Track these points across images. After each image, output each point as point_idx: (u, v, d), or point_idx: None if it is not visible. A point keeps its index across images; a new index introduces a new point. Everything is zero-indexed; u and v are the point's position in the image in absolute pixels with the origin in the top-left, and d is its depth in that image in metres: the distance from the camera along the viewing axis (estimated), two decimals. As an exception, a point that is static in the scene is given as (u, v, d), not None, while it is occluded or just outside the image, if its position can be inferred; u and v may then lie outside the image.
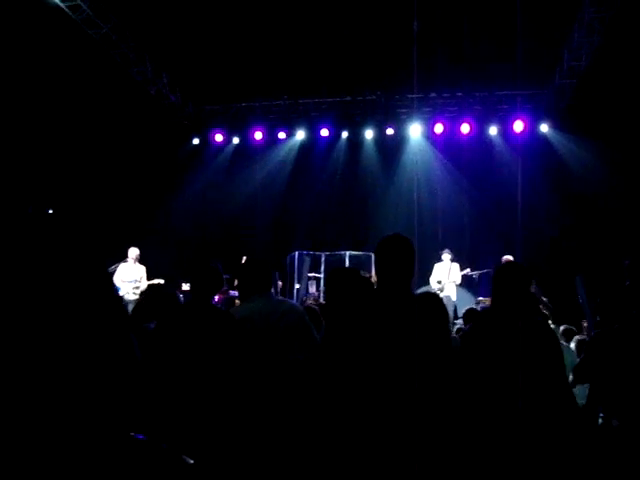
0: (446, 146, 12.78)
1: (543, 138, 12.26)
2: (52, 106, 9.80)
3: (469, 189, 12.56)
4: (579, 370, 3.55)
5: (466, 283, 10.99)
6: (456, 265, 10.69)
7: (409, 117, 12.89)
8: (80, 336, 0.98)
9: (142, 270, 9.67)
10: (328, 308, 3.14)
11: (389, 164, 13.31)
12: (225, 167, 13.96)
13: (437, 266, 10.76)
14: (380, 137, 13.26)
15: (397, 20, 10.11)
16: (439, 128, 12.61)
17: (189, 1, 10.06)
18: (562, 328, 6.13)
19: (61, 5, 9.56)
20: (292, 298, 11.85)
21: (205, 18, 10.14)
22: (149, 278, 9.56)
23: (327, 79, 11.84)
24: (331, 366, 2.73)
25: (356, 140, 13.46)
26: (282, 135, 13.60)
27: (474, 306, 8.17)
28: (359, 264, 11.74)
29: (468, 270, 10.63)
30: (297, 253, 12.40)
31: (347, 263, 11.94)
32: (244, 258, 10.85)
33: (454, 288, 10.54)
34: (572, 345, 5.34)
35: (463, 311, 6.37)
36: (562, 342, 4.63)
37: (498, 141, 12.63)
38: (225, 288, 10.57)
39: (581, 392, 3.59)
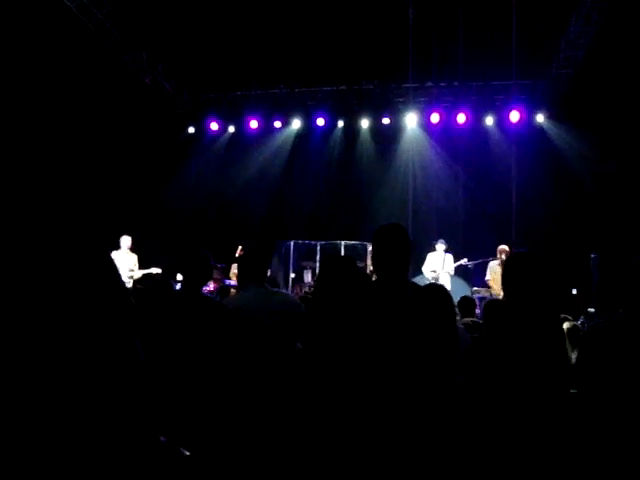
0: (442, 136, 12.75)
1: (539, 128, 12.25)
2: (45, 94, 9.72)
3: (465, 179, 12.56)
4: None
5: (461, 273, 11.03)
6: (450, 256, 10.73)
7: (405, 106, 12.85)
8: (87, 335, 0.97)
9: (134, 258, 9.73)
10: (318, 296, 3.11)
11: (385, 153, 13.29)
12: (221, 156, 13.92)
13: (430, 256, 10.78)
14: (376, 126, 13.23)
15: (393, 9, 10.07)
16: (435, 118, 12.57)
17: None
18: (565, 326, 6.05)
19: (55, -9, 9.48)
20: (287, 287, 11.89)
21: (201, 6, 10.07)
22: (143, 267, 9.59)
23: (323, 68, 11.80)
24: (326, 358, 2.73)
25: (352, 129, 13.42)
26: (278, 124, 13.55)
27: (469, 295, 8.21)
28: (354, 253, 11.78)
29: (465, 260, 10.65)
30: (292, 242, 12.41)
31: (342, 252, 11.98)
32: (239, 247, 10.88)
33: (448, 278, 10.58)
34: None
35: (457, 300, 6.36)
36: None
37: (494, 131, 12.61)
38: (220, 277, 10.60)
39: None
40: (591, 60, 10.57)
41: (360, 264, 11.29)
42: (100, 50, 10.91)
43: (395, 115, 12.99)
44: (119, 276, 1.09)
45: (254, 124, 13.49)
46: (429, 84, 12.56)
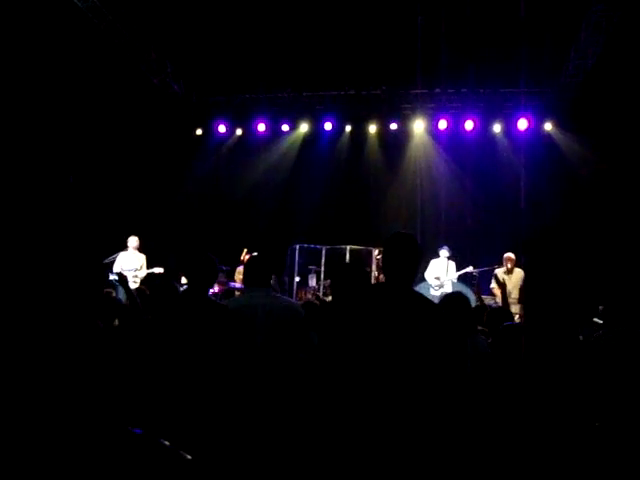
0: (449, 142, 12.73)
1: (547, 136, 12.22)
2: (55, 94, 9.76)
3: (472, 186, 12.52)
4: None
5: (467, 281, 10.98)
6: (453, 263, 10.71)
7: (413, 112, 12.85)
8: (68, 330, 0.97)
9: (142, 259, 9.78)
10: (334, 305, 3.15)
11: (392, 159, 13.27)
12: (228, 158, 13.93)
13: (433, 262, 10.76)
14: (383, 132, 13.21)
15: (402, 15, 10.07)
16: (443, 124, 12.56)
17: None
18: None
19: (66, -8, 9.52)
20: (292, 291, 11.89)
21: (210, 8, 10.10)
22: (149, 267, 9.63)
23: (332, 73, 11.81)
24: (329, 364, 2.73)
25: (359, 134, 13.41)
26: (285, 127, 13.55)
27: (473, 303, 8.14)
28: (359, 258, 11.77)
29: (470, 268, 10.63)
30: (298, 246, 12.41)
31: (347, 257, 11.97)
32: (245, 250, 10.88)
33: (451, 285, 10.57)
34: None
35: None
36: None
37: (502, 138, 12.58)
38: (224, 280, 10.61)
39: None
40: (600, 69, 10.54)
41: (365, 269, 11.26)
42: (109, 51, 10.95)
43: (403, 121, 12.98)
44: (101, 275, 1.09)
45: (262, 127, 13.50)
46: (437, 90, 12.54)
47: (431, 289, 10.62)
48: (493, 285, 9.75)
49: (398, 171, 13.15)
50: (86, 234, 9.36)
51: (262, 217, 13.41)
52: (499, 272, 9.64)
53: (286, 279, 12.05)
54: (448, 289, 10.32)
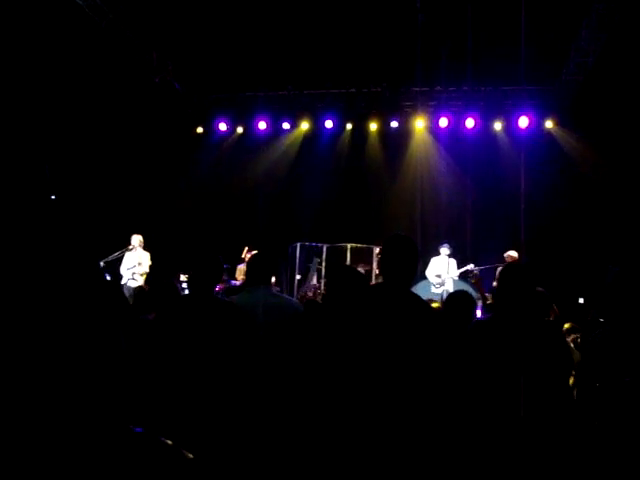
0: (450, 140, 12.73)
1: (548, 134, 12.22)
2: (56, 93, 9.76)
3: (472, 184, 12.53)
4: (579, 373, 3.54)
5: (468, 278, 10.98)
6: (453, 260, 10.71)
7: (414, 110, 12.85)
8: (70, 328, 0.97)
9: (145, 256, 9.77)
10: (326, 306, 3.18)
11: (393, 157, 13.27)
12: (229, 156, 13.94)
13: (434, 260, 10.77)
14: (384, 130, 13.22)
15: (403, 12, 10.05)
16: (443, 122, 12.56)
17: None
18: (566, 326, 6.06)
19: (67, -10, 9.52)
20: (292, 288, 11.90)
21: (211, 6, 10.09)
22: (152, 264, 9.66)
23: (332, 70, 11.80)
24: (325, 363, 2.75)
25: (360, 132, 13.41)
26: (286, 125, 13.56)
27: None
28: (360, 256, 11.78)
29: (471, 266, 10.63)
30: (299, 244, 12.41)
31: (348, 255, 11.98)
32: (246, 249, 10.88)
33: (452, 283, 10.57)
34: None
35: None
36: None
37: (502, 136, 12.58)
38: (225, 278, 10.61)
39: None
40: (601, 67, 10.52)
41: (366, 267, 11.28)
42: (110, 49, 10.94)
43: (403, 119, 12.98)
44: (99, 271, 1.10)
45: (262, 125, 13.50)
46: (438, 88, 12.54)
47: (432, 287, 10.63)
48: (496, 283, 9.76)
49: (399, 169, 13.15)
50: (82, 233, 9.36)
51: (263, 215, 13.42)
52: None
53: (286, 277, 12.06)
54: (449, 287, 10.33)
